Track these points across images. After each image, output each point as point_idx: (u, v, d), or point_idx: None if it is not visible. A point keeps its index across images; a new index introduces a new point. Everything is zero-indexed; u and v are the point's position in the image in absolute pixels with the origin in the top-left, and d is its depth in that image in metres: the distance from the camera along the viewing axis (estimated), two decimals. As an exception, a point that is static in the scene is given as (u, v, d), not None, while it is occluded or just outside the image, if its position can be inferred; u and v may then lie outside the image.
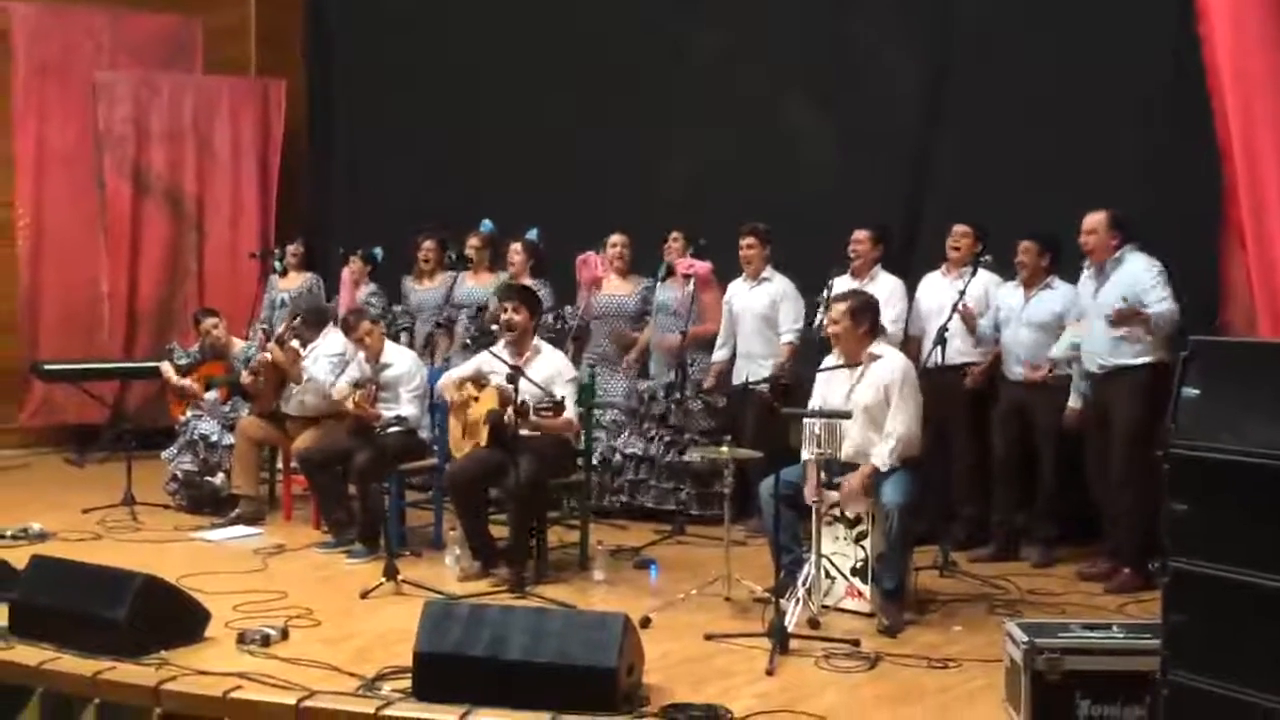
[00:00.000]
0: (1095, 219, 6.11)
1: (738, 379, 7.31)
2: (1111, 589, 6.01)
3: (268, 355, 7.47)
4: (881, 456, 5.55)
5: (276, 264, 9.17)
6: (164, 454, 7.97)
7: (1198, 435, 3.36)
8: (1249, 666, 3.37)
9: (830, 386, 5.82)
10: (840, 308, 5.76)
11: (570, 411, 6.15)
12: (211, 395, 8.04)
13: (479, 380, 6.26)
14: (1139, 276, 5.97)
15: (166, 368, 8.40)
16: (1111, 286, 6.05)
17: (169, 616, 5.02)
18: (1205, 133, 6.27)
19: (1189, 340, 3.50)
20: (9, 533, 6.93)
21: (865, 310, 5.75)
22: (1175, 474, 3.41)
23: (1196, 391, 3.36)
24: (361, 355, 6.97)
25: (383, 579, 5.92)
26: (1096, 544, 6.50)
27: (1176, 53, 6.63)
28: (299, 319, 7.61)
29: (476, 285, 8.27)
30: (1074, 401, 6.34)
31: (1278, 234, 4.01)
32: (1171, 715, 3.50)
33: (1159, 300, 5.91)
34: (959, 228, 6.86)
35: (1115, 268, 6.09)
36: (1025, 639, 4.16)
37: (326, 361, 7.36)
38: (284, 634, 5.15)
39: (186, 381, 8.20)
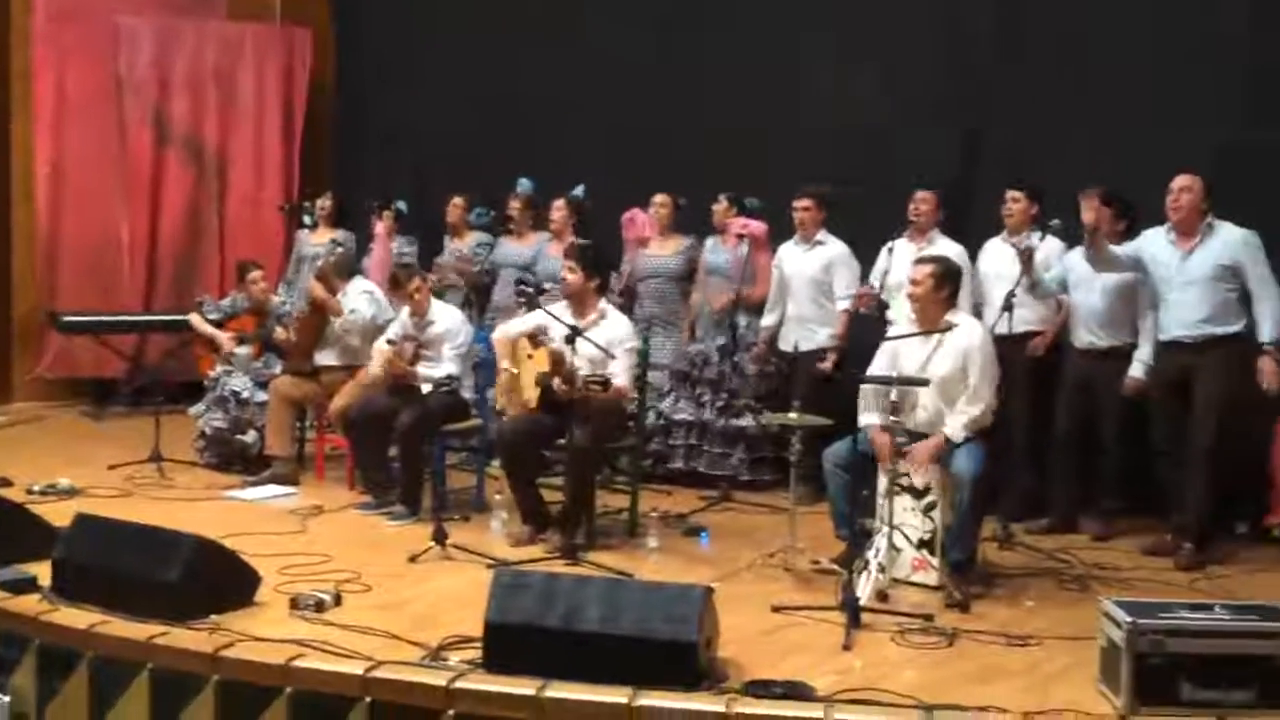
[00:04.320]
0: (1189, 179, 5.91)
1: (786, 344, 7.14)
2: (1181, 564, 5.86)
3: (304, 310, 7.28)
4: (956, 428, 5.38)
5: (306, 218, 8.95)
6: (192, 410, 7.76)
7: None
8: None
9: (903, 354, 5.62)
10: (925, 270, 5.57)
11: (622, 380, 5.95)
12: (243, 350, 7.83)
13: (534, 338, 6.06)
14: (1238, 248, 5.80)
15: (197, 320, 8.17)
16: (1204, 254, 5.88)
17: (221, 579, 4.86)
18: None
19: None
20: (37, 488, 6.75)
21: (949, 276, 5.58)
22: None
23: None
24: (406, 311, 6.77)
25: (431, 543, 5.74)
26: (1153, 517, 6.35)
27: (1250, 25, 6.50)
28: (337, 255, 7.51)
29: (521, 246, 8.07)
30: (1136, 370, 6.18)
31: None
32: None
33: (1261, 278, 5.79)
34: (1011, 192, 6.66)
35: (1208, 234, 5.90)
36: (1128, 619, 3.99)
37: (361, 298, 7.23)
38: (337, 599, 4.99)
39: (219, 333, 7.96)
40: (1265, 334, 5.77)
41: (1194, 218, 5.93)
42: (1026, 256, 6.25)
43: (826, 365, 6.97)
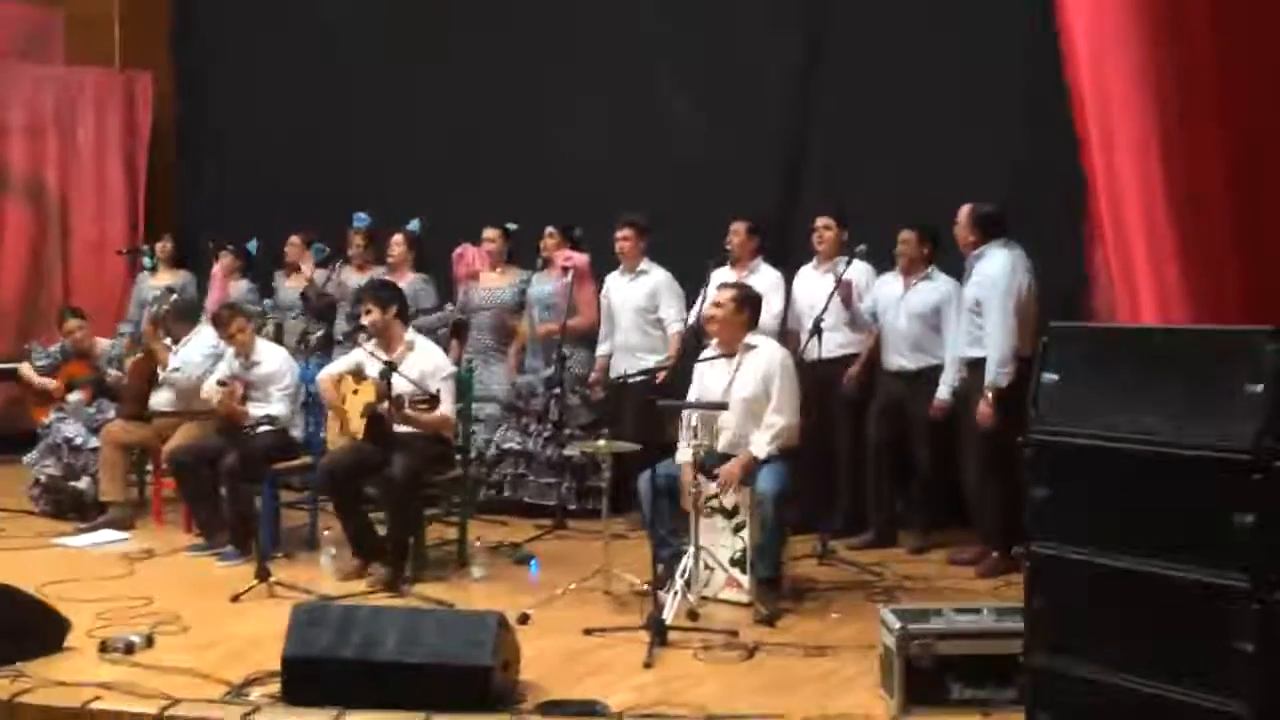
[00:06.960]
0: (959, 212, 6.20)
1: (614, 372, 7.29)
2: (981, 573, 6.11)
3: (139, 355, 7.27)
4: (761, 446, 5.57)
5: (147, 260, 8.91)
6: (26, 458, 7.69)
7: (1056, 420, 3.39)
8: (1108, 648, 3.40)
9: (708, 378, 5.82)
10: (726, 294, 5.79)
11: (446, 408, 6.06)
12: (75, 396, 7.77)
13: (358, 374, 6.15)
14: (989, 273, 6.05)
15: (25, 369, 8.10)
16: (970, 282, 6.16)
17: (26, 626, 4.83)
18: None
19: (1048, 326, 3.52)
20: None
21: (749, 301, 5.79)
22: (1035, 459, 3.43)
23: (1055, 377, 3.39)
24: (231, 352, 6.81)
25: (254, 581, 5.77)
26: (968, 529, 6.60)
27: (1036, 44, 6.79)
28: (174, 302, 7.41)
29: (362, 279, 8.12)
30: (942, 393, 6.41)
31: (1135, 224, 4.06)
32: (1035, 698, 3.53)
33: (998, 305, 5.98)
34: (820, 220, 6.88)
35: (976, 262, 6.17)
36: (898, 625, 4.19)
37: (199, 354, 7.17)
38: (149, 641, 5.00)
39: (48, 381, 7.90)
40: None
41: (963, 246, 6.20)
42: (845, 293, 6.49)
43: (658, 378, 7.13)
